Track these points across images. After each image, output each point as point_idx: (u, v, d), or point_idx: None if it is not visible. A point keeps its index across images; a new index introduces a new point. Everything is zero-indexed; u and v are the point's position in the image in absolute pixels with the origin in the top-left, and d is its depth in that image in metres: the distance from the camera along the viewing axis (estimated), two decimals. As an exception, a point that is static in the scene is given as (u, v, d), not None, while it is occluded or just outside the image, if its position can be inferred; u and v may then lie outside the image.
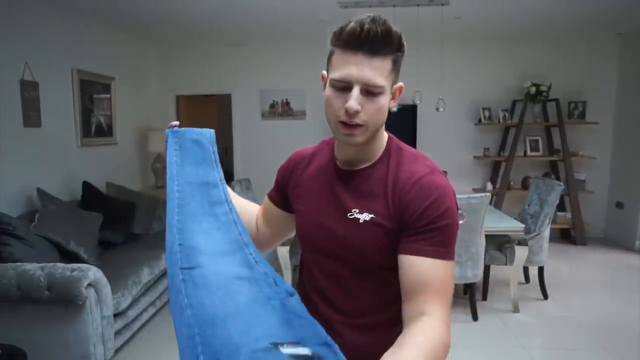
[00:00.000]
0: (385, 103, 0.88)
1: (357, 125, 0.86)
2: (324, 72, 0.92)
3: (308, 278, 1.05)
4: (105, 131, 4.55)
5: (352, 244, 0.93)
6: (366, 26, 0.81)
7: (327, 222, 0.97)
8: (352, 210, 0.93)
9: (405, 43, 0.87)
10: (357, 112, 0.85)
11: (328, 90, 0.88)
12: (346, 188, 0.97)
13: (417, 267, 0.85)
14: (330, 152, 1.04)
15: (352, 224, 0.93)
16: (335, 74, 0.86)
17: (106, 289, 2.50)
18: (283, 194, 1.11)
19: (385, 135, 0.99)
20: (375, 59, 0.83)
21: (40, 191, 3.20)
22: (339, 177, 0.99)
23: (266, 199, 1.18)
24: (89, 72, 4.23)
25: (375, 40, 0.82)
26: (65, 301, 2.32)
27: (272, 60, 5.67)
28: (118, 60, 4.86)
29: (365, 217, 0.91)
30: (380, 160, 0.96)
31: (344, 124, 0.87)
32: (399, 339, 0.78)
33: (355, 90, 0.84)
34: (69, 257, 2.91)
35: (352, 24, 0.83)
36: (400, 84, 0.93)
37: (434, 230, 0.86)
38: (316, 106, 5.65)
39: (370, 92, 0.85)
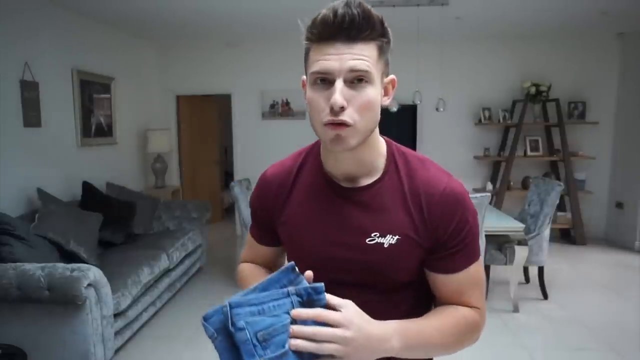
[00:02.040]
0: (376, 96, 0.77)
1: (345, 125, 0.74)
2: (304, 78, 0.83)
3: None
4: (105, 131, 4.55)
5: (379, 270, 0.84)
6: (340, 11, 0.72)
7: (340, 250, 0.85)
8: (372, 235, 0.83)
9: (389, 29, 0.77)
10: (342, 108, 0.73)
11: (309, 92, 0.78)
12: (355, 209, 0.85)
13: (455, 280, 0.85)
14: (316, 166, 0.90)
15: (375, 249, 0.82)
16: (314, 68, 0.75)
17: (106, 289, 2.50)
18: (271, 230, 0.96)
19: (382, 141, 0.88)
20: (357, 46, 0.73)
21: (40, 191, 3.20)
22: (341, 196, 0.86)
23: (253, 242, 1.02)
24: (89, 72, 4.24)
25: (352, 25, 0.72)
26: (65, 301, 2.32)
27: (272, 60, 5.67)
28: (118, 60, 4.86)
29: (390, 240, 0.82)
30: (388, 171, 0.85)
31: (331, 124, 0.75)
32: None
33: (339, 83, 0.73)
34: (69, 257, 2.92)
35: (324, 12, 0.74)
36: (392, 76, 0.82)
37: (464, 244, 0.84)
38: (316, 106, 5.64)
39: (355, 80, 0.74)
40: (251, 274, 0.99)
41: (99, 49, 4.50)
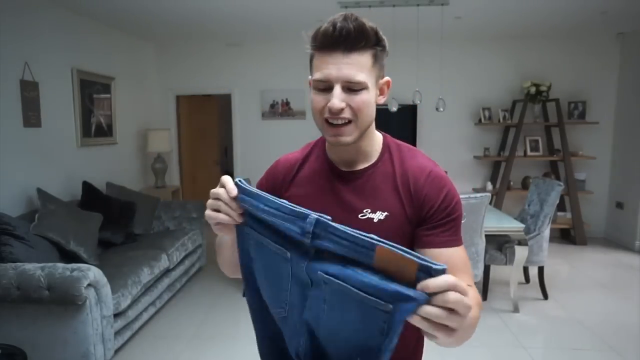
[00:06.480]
0: (370, 98, 0.88)
1: (344, 124, 0.87)
2: (310, 78, 0.93)
3: None
4: (105, 131, 4.55)
5: None
6: (338, 24, 0.82)
7: None
8: (364, 211, 0.92)
9: (384, 37, 0.87)
10: (340, 110, 0.85)
11: (312, 93, 0.89)
12: (350, 189, 0.95)
13: (444, 257, 0.89)
14: (321, 154, 1.02)
15: (366, 224, 0.91)
16: (316, 76, 0.87)
17: (106, 289, 2.51)
18: None
19: (378, 134, 1.00)
20: (353, 55, 0.84)
21: (40, 191, 3.20)
22: (339, 179, 0.97)
23: None
24: (89, 72, 4.24)
25: (349, 37, 0.82)
26: (65, 301, 2.32)
27: (272, 60, 5.67)
28: (118, 60, 4.86)
29: (379, 216, 0.91)
30: (382, 158, 0.97)
31: (331, 124, 0.87)
32: None
33: (337, 89, 0.85)
34: (69, 257, 2.92)
35: (325, 25, 0.84)
36: (386, 78, 0.93)
37: (450, 222, 0.91)
38: (316, 106, 5.64)
39: (351, 89, 0.85)
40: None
41: (99, 49, 4.50)
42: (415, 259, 0.60)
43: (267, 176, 1.07)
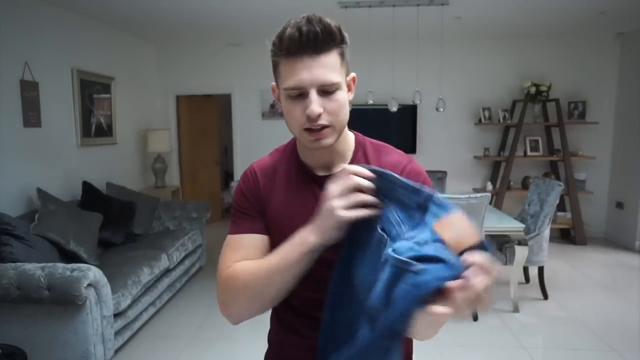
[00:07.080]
0: (345, 98, 0.88)
1: (324, 128, 0.86)
2: (274, 85, 0.91)
3: (297, 305, 0.96)
4: (105, 131, 4.55)
5: None
6: (304, 29, 0.81)
7: None
8: None
9: (346, 34, 0.86)
10: (319, 115, 0.84)
11: (285, 102, 0.88)
12: None
13: None
14: (292, 159, 1.00)
15: None
16: (288, 83, 0.85)
17: (106, 289, 2.51)
18: (261, 217, 0.98)
19: (350, 133, 0.99)
20: (322, 58, 0.83)
21: (40, 191, 3.20)
22: (316, 184, 0.95)
23: (242, 240, 0.96)
24: (89, 72, 4.24)
25: (317, 40, 0.81)
26: (65, 301, 2.32)
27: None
28: (118, 60, 4.86)
29: None
30: (355, 157, 0.97)
31: (309, 130, 0.86)
32: None
33: (313, 94, 0.83)
34: (69, 257, 2.92)
35: (289, 31, 0.82)
36: (352, 74, 0.92)
37: None
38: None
39: (326, 91, 0.84)
40: (254, 262, 0.91)
41: (99, 49, 4.50)
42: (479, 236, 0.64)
43: (245, 184, 1.01)
